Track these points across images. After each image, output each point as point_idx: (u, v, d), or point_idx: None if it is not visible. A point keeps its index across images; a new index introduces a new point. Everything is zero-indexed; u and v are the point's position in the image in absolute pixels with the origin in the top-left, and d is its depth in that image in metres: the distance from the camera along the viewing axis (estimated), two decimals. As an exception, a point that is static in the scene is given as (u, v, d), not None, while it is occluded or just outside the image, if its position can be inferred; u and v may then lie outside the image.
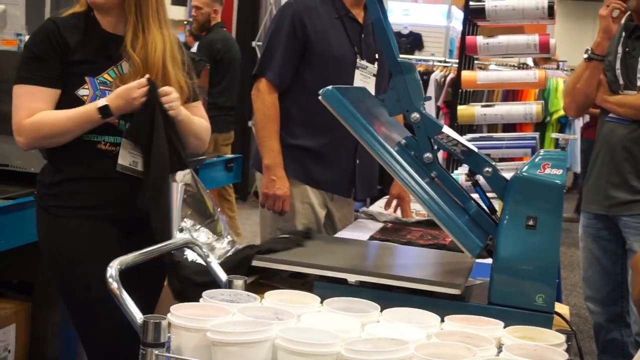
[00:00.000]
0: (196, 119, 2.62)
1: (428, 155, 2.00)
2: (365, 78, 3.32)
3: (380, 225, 3.24)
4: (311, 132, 3.30)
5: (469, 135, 4.24)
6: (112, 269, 1.62)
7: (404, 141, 2.01)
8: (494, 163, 2.02)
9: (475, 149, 2.01)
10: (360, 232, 3.06)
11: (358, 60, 3.31)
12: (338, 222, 3.44)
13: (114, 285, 1.61)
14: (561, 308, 2.08)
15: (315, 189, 3.35)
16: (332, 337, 1.53)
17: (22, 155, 3.24)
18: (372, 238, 2.95)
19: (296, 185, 3.34)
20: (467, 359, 1.50)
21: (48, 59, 2.40)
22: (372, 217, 3.38)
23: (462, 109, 4.37)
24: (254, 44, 8.80)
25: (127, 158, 2.43)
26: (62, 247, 2.46)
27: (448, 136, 1.99)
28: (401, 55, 2.14)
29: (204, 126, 2.67)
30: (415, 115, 1.99)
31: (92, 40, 2.46)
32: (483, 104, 4.81)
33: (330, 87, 2.02)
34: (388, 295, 1.94)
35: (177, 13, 17.08)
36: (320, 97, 2.01)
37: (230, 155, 4.70)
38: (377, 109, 2.17)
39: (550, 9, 3.80)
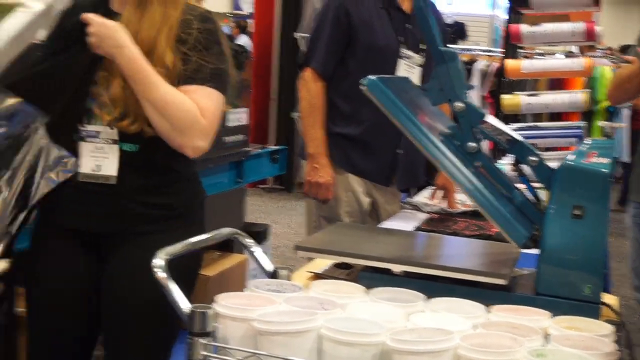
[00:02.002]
0: (176, 93, 2.15)
1: (472, 144, 1.98)
2: (409, 68, 3.33)
3: (426, 216, 3.24)
4: (354, 121, 3.34)
5: (514, 125, 4.22)
6: (160, 259, 1.64)
7: (447, 131, 2.00)
8: (539, 152, 2.01)
9: (521, 138, 2.00)
10: (405, 222, 3.07)
11: (402, 50, 3.31)
12: (383, 212, 3.45)
13: (162, 275, 1.63)
14: (610, 299, 2.04)
15: (359, 178, 3.38)
16: (378, 326, 1.53)
17: None
18: (417, 229, 2.95)
19: (340, 173, 3.38)
20: (513, 349, 1.49)
21: None
22: (417, 207, 3.37)
23: (507, 99, 4.36)
24: (296, 35, 8.81)
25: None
26: None
27: (492, 125, 1.98)
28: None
29: (184, 106, 2.15)
30: (459, 105, 1.97)
31: None
32: (528, 93, 4.78)
33: (372, 76, 2.02)
34: (433, 286, 1.92)
35: (220, 5, 17.22)
36: (362, 87, 2.01)
37: (275, 147, 4.70)
38: (421, 99, 2.16)
39: (596, -4, 3.76)
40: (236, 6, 12.30)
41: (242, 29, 10.69)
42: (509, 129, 2.07)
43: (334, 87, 3.36)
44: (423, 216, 3.22)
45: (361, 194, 3.39)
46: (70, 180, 2.20)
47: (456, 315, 1.66)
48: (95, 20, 2.06)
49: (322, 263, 2.26)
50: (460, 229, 2.94)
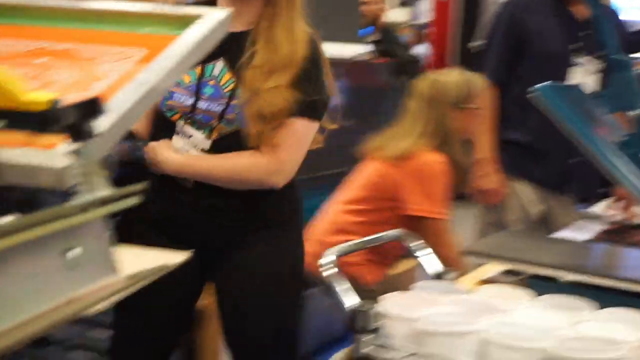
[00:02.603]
0: (227, 162, 2.18)
1: None
2: (585, 75, 3.25)
3: (602, 227, 3.14)
4: (525, 128, 3.31)
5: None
6: (330, 257, 1.71)
7: (622, 140, 1.96)
8: None
9: None
10: (580, 233, 2.99)
11: (576, 57, 3.25)
12: (556, 221, 3.38)
13: (333, 271, 1.69)
14: None
15: (530, 185, 3.35)
16: (542, 332, 1.52)
17: None
18: (593, 240, 2.87)
19: (508, 180, 3.36)
20: None
21: None
22: (593, 218, 3.28)
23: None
24: (471, 44, 8.72)
25: None
26: None
27: None
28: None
29: (240, 168, 2.18)
30: (634, 113, 1.93)
31: None
32: None
33: (543, 84, 2.01)
34: (606, 297, 1.87)
35: (401, 15, 17.30)
36: (533, 94, 2.00)
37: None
38: (594, 107, 2.12)
39: None
40: (415, 15, 12.33)
41: (420, 38, 10.66)
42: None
43: (507, 94, 3.35)
44: (599, 227, 3.13)
45: (530, 202, 3.35)
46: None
47: (624, 326, 1.62)
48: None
49: (489, 270, 2.25)
50: (638, 241, 2.83)
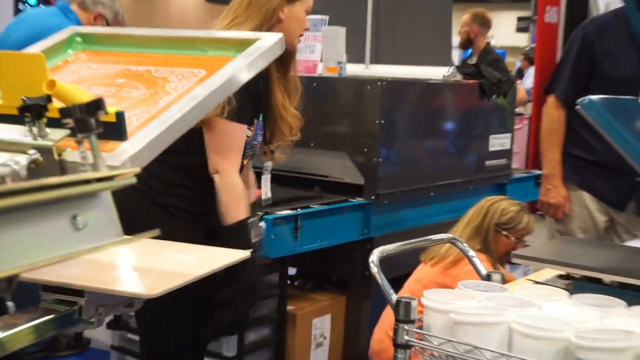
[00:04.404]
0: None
1: None
2: None
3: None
4: (591, 145, 3.40)
5: None
6: (375, 256, 1.91)
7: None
8: None
9: None
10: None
11: None
12: (624, 233, 3.46)
13: (375, 270, 1.89)
14: None
15: (595, 198, 3.45)
16: (565, 324, 1.66)
17: (342, 168, 3.71)
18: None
19: (574, 189, 3.48)
20: None
21: None
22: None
23: None
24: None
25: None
26: None
27: None
28: None
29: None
30: None
31: None
32: None
33: (590, 97, 2.13)
34: None
35: (521, 39, 17.40)
36: (577, 107, 2.12)
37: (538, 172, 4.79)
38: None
39: None
40: (533, 39, 12.37)
41: (531, 62, 10.68)
42: None
43: (576, 114, 3.45)
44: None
45: (595, 211, 3.45)
46: None
47: None
48: None
49: (544, 274, 2.38)
50: None
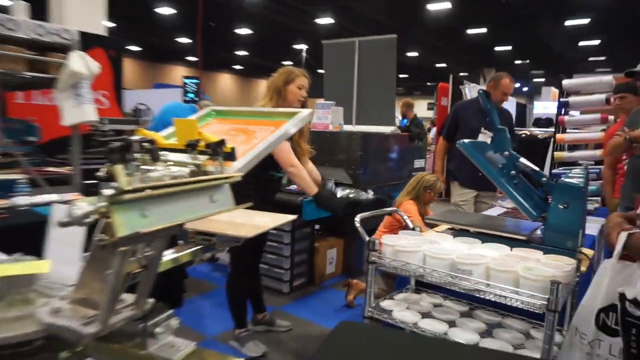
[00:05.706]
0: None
1: (512, 172, 3.67)
2: (485, 137, 5.59)
3: None
4: (458, 161, 6.32)
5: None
6: (358, 218, 3.58)
7: (500, 165, 3.74)
8: (546, 178, 3.64)
9: (537, 169, 3.68)
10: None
11: (483, 128, 5.88)
12: (483, 201, 6.19)
13: (358, 225, 3.57)
14: (587, 251, 3.64)
15: None
16: (451, 251, 3.24)
17: (341, 175, 6.64)
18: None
19: (455, 183, 6.47)
20: (515, 266, 3.09)
21: None
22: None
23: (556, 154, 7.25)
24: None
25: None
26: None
27: (524, 164, 3.69)
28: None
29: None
30: (506, 154, 3.67)
31: None
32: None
33: (463, 140, 3.80)
34: (490, 239, 3.57)
35: (429, 113, 27.02)
36: (457, 144, 3.79)
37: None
38: (490, 150, 3.87)
39: None
40: (435, 113, 17.97)
41: (434, 124, 19.82)
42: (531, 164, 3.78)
43: (453, 146, 6.48)
44: None
45: (468, 191, 6.25)
46: None
47: (494, 251, 3.32)
48: None
49: (441, 228, 4.07)
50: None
